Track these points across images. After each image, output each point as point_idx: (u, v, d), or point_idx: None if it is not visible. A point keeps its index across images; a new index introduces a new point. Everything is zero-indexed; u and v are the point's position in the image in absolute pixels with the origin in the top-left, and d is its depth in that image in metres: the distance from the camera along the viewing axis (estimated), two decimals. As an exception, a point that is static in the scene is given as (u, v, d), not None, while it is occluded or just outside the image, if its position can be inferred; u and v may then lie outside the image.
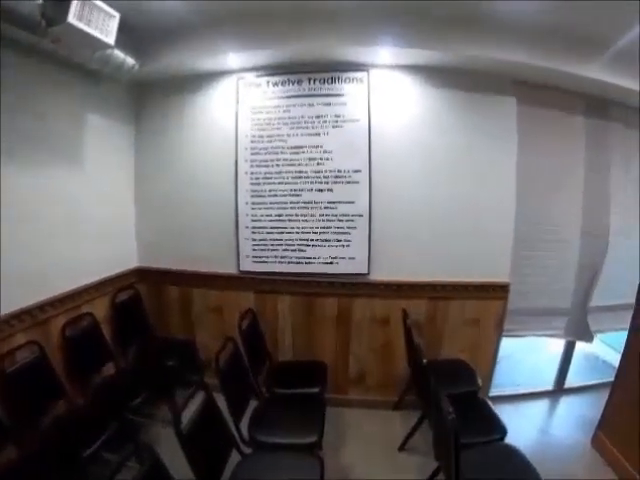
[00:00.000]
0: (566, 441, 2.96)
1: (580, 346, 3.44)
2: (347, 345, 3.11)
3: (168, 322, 3.32)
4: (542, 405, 3.37)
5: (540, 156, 3.03)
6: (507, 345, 3.84)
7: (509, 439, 2.44)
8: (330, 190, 3.01)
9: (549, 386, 3.48)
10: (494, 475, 1.87)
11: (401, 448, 2.72)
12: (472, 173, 2.91)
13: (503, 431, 2.19)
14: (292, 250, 3.08)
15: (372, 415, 3.12)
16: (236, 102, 3.02)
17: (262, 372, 2.75)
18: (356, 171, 2.97)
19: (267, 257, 3.10)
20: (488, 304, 2.99)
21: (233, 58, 2.76)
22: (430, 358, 2.89)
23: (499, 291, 2.98)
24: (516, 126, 2.90)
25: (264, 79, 2.98)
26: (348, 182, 2.98)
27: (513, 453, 2.01)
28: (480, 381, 2.68)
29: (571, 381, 3.51)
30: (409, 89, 2.87)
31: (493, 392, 3.32)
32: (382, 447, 2.75)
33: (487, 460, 1.97)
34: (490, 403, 2.52)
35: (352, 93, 2.93)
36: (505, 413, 3.11)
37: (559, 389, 3.46)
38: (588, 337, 3.26)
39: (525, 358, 3.88)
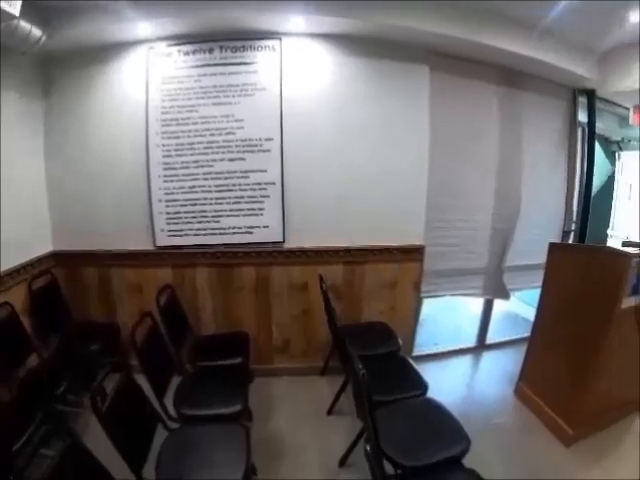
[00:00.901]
0: (491, 394, 3.09)
1: (500, 304, 3.55)
2: (268, 314, 3.10)
3: (89, 305, 3.21)
4: (466, 361, 3.50)
5: (454, 122, 3.07)
6: (430, 306, 3.96)
7: (436, 395, 2.52)
8: (242, 159, 2.94)
9: (472, 343, 3.57)
10: (415, 428, 1.91)
11: (329, 412, 2.76)
12: (385, 140, 2.90)
13: (424, 386, 2.25)
14: (207, 222, 3.02)
15: (300, 382, 3.15)
16: (146, 73, 2.87)
17: (184, 347, 2.68)
18: (268, 139, 2.90)
19: (182, 230, 3.03)
20: (404, 267, 3.03)
21: (143, 27, 2.61)
22: (351, 321, 2.97)
23: (414, 253, 3.02)
24: (429, 94, 2.90)
25: (175, 48, 2.84)
26: (260, 151, 2.92)
27: (434, 406, 2.06)
28: (400, 341, 2.71)
29: (493, 337, 3.63)
30: (323, 57, 2.79)
31: (417, 352, 3.40)
32: (311, 412, 2.79)
33: (408, 414, 2.02)
34: (411, 361, 2.57)
35: (264, 61, 2.83)
36: (431, 371, 3.26)
37: (481, 345, 3.57)
38: (504, 295, 3.36)
39: (448, 318, 3.97)
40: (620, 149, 5.05)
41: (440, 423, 1.92)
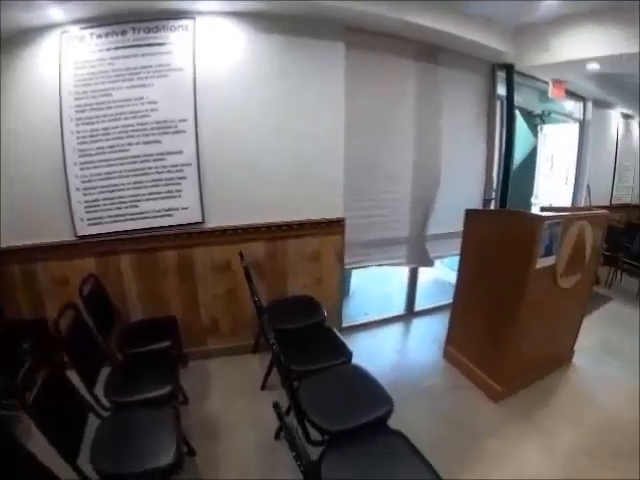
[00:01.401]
0: (421, 359, 3.24)
1: (429, 272, 3.68)
2: (195, 296, 3.10)
3: (18, 302, 3.12)
4: (396, 329, 3.64)
5: (372, 97, 3.13)
6: (361, 277, 4.09)
7: (368, 363, 2.59)
8: (158, 142, 2.90)
9: (401, 311, 3.70)
10: (340, 394, 1.96)
11: (262, 387, 2.82)
12: (301, 115, 2.93)
13: (349, 354, 2.30)
14: (126, 207, 2.97)
15: (233, 361, 3.18)
16: (59, 58, 2.78)
17: (113, 335, 2.66)
18: (182, 120, 2.87)
19: (102, 218, 2.97)
20: (326, 240, 3.11)
21: (55, 11, 2.51)
22: (277, 296, 3.01)
23: (335, 226, 3.10)
24: (344, 69, 2.95)
25: (88, 32, 2.75)
26: (175, 132, 2.89)
27: (358, 372, 2.12)
28: (325, 312, 2.78)
29: (423, 304, 3.77)
30: (236, 36, 2.77)
31: (348, 322, 3.49)
32: (245, 389, 2.83)
33: (333, 382, 2.07)
34: (336, 331, 2.62)
35: (178, 42, 2.79)
36: (362, 340, 3.37)
37: (410, 313, 3.69)
38: (428, 262, 3.50)
39: (379, 288, 4.09)
40: (543, 122, 5.30)
41: (364, 388, 1.98)
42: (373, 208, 3.28)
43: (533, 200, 5.79)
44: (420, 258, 3.50)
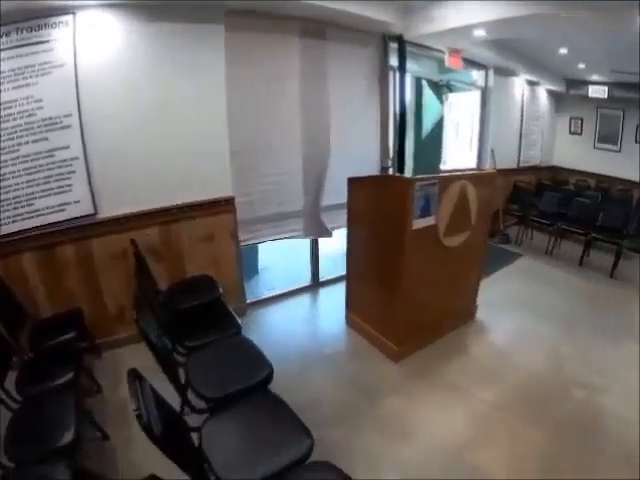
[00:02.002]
0: (326, 327, 3.43)
1: (338, 242, 3.82)
2: (98, 286, 3.19)
3: None
4: (303, 300, 3.81)
5: (256, 75, 3.19)
6: (270, 255, 4.26)
7: (276, 335, 2.96)
8: (46, 139, 2.94)
9: (307, 283, 3.91)
10: (224, 364, 2.05)
11: None
12: (186, 99, 2.97)
13: (237, 327, 2.40)
14: (22, 207, 3.04)
15: (142, 347, 3.28)
16: None
17: (23, 333, 2.76)
18: (67, 115, 2.91)
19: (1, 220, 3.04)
20: (218, 219, 3.19)
21: None
22: (176, 279, 3.13)
23: (225, 205, 3.18)
24: (225, 52, 3.00)
25: None
26: (61, 128, 2.94)
27: (243, 343, 2.23)
28: (220, 289, 2.86)
29: (330, 274, 3.97)
30: (117, 28, 2.78)
31: (254, 298, 3.66)
32: (153, 373, 2.93)
33: (219, 353, 2.17)
34: (229, 307, 2.70)
35: (59, 38, 2.81)
36: (269, 314, 3.53)
37: (316, 284, 3.90)
38: (326, 233, 3.67)
39: (288, 262, 4.26)
40: (450, 91, 5.55)
41: (247, 357, 2.07)
42: (265, 184, 3.38)
43: (442, 166, 6.04)
44: (317, 230, 3.65)
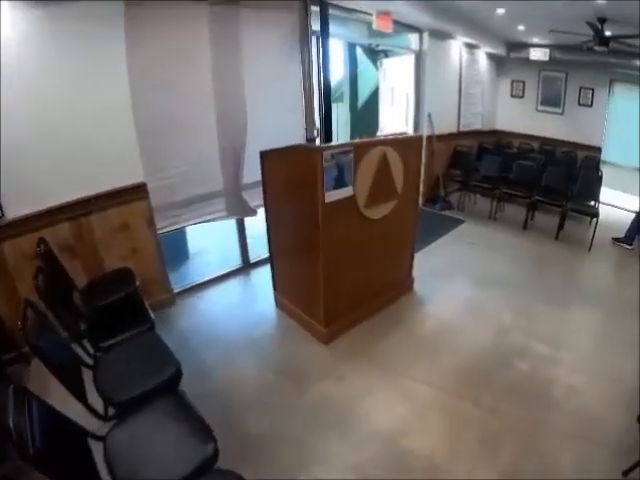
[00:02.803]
0: (256, 309, 3.25)
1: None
2: (15, 293, 2.95)
3: None
4: (234, 284, 3.64)
5: (161, 50, 2.89)
6: (201, 238, 4.08)
7: (208, 322, 2.90)
8: None
9: (238, 264, 3.77)
10: (133, 364, 1.90)
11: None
12: (84, 87, 2.68)
13: (151, 322, 2.25)
14: None
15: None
16: None
17: None
18: None
19: None
20: (131, 207, 2.96)
21: None
22: (95, 274, 2.91)
23: (137, 192, 2.95)
24: (125, 32, 2.70)
25: None
26: None
27: (153, 340, 2.07)
28: (137, 282, 2.65)
29: (262, 254, 3.81)
30: (7, 17, 2.48)
31: (183, 286, 3.50)
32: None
33: (130, 352, 2.01)
34: (144, 301, 2.51)
35: None
36: (201, 300, 3.37)
37: (247, 265, 3.76)
38: (251, 212, 3.49)
39: (221, 246, 4.08)
40: (387, 56, 5.36)
41: (154, 356, 1.94)
42: (180, 166, 3.13)
43: (379, 134, 5.91)
44: (241, 209, 3.45)
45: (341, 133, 6.42)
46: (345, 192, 2.51)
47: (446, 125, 5.67)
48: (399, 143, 2.85)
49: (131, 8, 2.70)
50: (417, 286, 3.45)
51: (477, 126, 6.46)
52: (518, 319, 3.07)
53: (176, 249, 4.03)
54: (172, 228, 3.30)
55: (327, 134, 3.91)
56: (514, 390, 2.36)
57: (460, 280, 3.62)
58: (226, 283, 3.65)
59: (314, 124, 3.90)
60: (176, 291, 3.46)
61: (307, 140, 3.87)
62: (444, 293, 3.41)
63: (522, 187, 4.99)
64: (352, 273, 2.76)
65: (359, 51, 6.04)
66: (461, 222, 5.07)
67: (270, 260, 3.19)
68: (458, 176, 5.66)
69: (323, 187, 2.33)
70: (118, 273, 2.82)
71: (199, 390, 2.19)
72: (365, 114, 5.95)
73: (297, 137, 3.81)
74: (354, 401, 2.30)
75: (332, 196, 2.41)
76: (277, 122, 3.62)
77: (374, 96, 5.89)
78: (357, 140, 2.61)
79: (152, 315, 2.37)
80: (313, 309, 2.77)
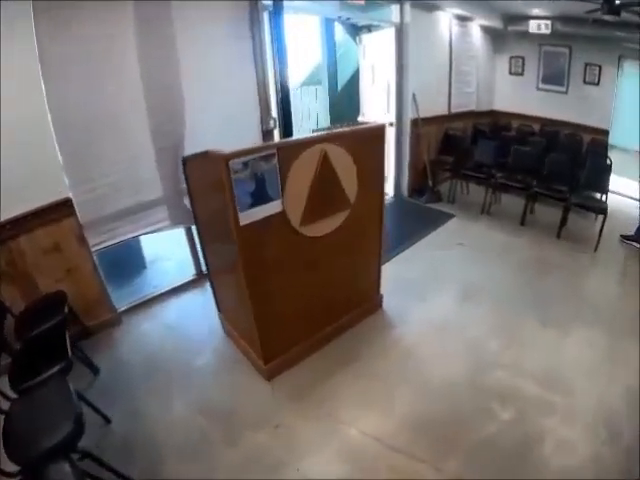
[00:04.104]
0: (202, 331, 2.89)
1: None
2: None
3: None
4: (186, 298, 3.30)
5: (78, 46, 2.52)
6: (160, 244, 3.73)
7: (149, 346, 2.67)
8: None
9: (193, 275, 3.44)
10: (33, 416, 1.68)
11: None
12: None
13: (68, 361, 2.02)
14: None
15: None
16: None
17: None
18: None
19: None
20: (59, 226, 2.62)
21: None
22: (30, 300, 2.61)
23: (63, 209, 2.62)
24: (36, 33, 2.34)
25: None
26: None
27: (61, 388, 1.80)
28: (66, 309, 2.39)
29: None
30: None
31: (131, 302, 3.19)
32: None
33: (34, 402, 1.77)
34: (67, 333, 2.25)
35: None
36: (149, 318, 3.06)
37: (201, 276, 3.41)
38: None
39: (181, 253, 3.68)
40: (369, 32, 4.80)
41: (57, 407, 1.69)
42: (111, 173, 2.79)
43: (360, 119, 5.40)
44: (186, 216, 3.04)
45: (321, 120, 5.95)
46: (269, 209, 2.02)
47: (434, 106, 5.11)
48: (347, 137, 2.29)
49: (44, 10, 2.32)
50: (387, 304, 3.01)
51: (471, 107, 5.86)
52: (505, 347, 2.60)
53: (131, 259, 3.73)
54: (110, 243, 2.96)
55: (286, 124, 3.46)
56: (489, 449, 1.91)
57: (440, 294, 3.15)
58: (177, 298, 3.31)
59: (270, 113, 3.45)
60: (124, 309, 3.16)
61: (263, 133, 3.45)
62: (418, 312, 2.95)
63: (520, 175, 4.45)
64: (296, 299, 2.36)
65: (339, 28, 5.47)
66: (450, 217, 4.57)
67: (209, 278, 2.81)
68: (449, 163, 5.13)
69: (235, 206, 1.87)
70: (48, 299, 2.56)
71: (127, 431, 2.09)
72: (346, 97, 5.44)
73: (247, 129, 3.40)
74: (290, 455, 1.95)
75: (249, 216, 1.93)
76: (221, 114, 3.18)
77: (356, 77, 5.35)
78: (282, 140, 2.11)
79: (69, 353, 2.10)
80: (252, 340, 2.38)
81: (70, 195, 2.65)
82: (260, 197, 1.95)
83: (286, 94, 3.38)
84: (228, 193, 1.83)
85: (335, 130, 2.39)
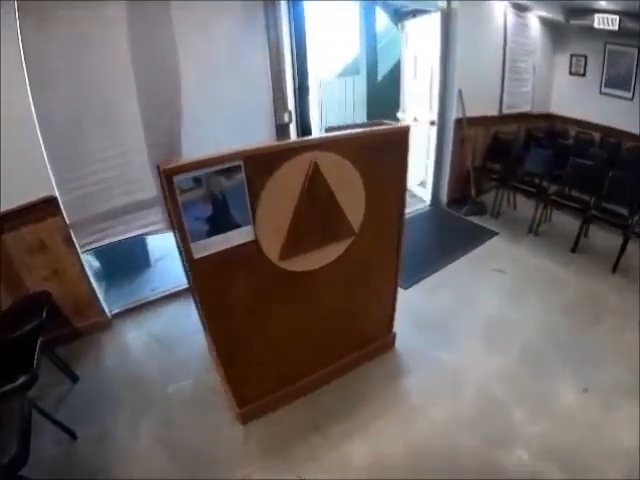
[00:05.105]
0: (188, 351, 2.64)
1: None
2: None
3: None
4: (181, 305, 3.05)
5: (69, 39, 2.31)
6: (163, 242, 3.47)
7: (128, 363, 2.49)
8: None
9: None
10: None
11: None
12: None
13: (33, 373, 1.86)
14: None
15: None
16: None
17: None
18: None
19: None
20: (45, 225, 2.48)
21: None
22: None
23: (48, 208, 2.47)
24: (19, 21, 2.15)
25: None
26: None
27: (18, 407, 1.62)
28: (44, 314, 2.25)
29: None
30: None
31: (124, 305, 3.03)
32: None
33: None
34: (39, 340, 2.08)
35: None
36: (138, 326, 2.89)
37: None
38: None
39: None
40: (414, 17, 4.26)
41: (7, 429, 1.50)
42: (100, 171, 2.58)
43: (400, 115, 4.86)
44: None
45: (357, 114, 5.48)
46: (236, 238, 1.59)
47: (484, 105, 4.45)
48: (353, 143, 1.73)
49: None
50: (401, 343, 2.52)
51: (526, 108, 5.10)
52: (532, 417, 2.05)
53: (135, 256, 3.54)
54: (101, 244, 2.77)
55: (303, 118, 3.07)
56: None
57: (464, 337, 2.62)
58: (172, 305, 3.07)
59: (286, 106, 3.07)
60: (117, 312, 3.00)
61: (277, 128, 3.08)
62: (435, 359, 2.44)
63: (577, 190, 3.82)
64: (279, 343, 1.99)
65: (382, 16, 4.94)
66: (491, 235, 3.97)
67: (192, 293, 2.51)
68: (496, 171, 4.50)
69: (185, 235, 1.48)
70: (29, 299, 2.46)
71: (89, 454, 1.95)
72: (387, 89, 4.93)
73: (259, 124, 3.06)
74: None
75: (208, 247, 1.53)
76: (228, 107, 2.88)
77: (397, 68, 4.83)
78: (254, 147, 1.51)
79: (35, 365, 1.91)
80: (228, 379, 2.01)
81: (56, 194, 2.48)
82: (221, 222, 1.53)
83: (304, 84, 2.99)
84: (175, 218, 1.46)
85: (339, 132, 1.84)
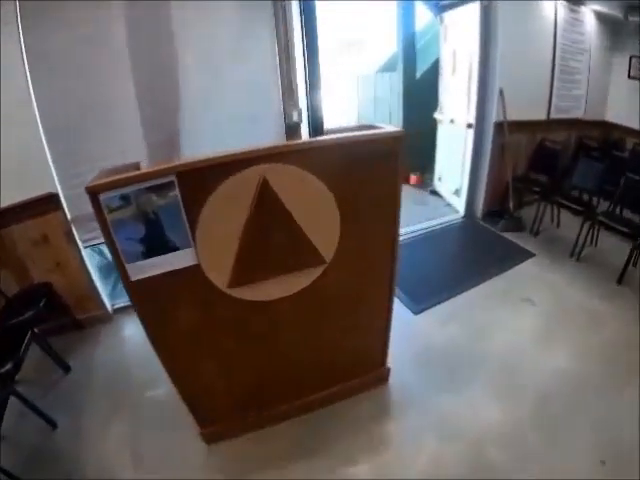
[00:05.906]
0: None
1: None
2: None
3: None
4: None
5: (67, 36, 2.40)
6: None
7: (117, 360, 2.52)
8: None
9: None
10: None
11: None
12: None
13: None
14: None
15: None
16: None
17: None
18: None
19: None
20: (47, 219, 2.60)
21: None
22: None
23: (49, 203, 2.56)
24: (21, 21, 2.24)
25: None
26: None
27: None
28: (41, 304, 2.47)
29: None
30: None
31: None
32: None
33: None
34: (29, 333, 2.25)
35: None
36: (136, 323, 2.88)
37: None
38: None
39: None
40: (453, 9, 3.88)
41: None
42: (99, 169, 2.66)
43: (437, 115, 4.46)
44: None
45: (393, 113, 5.15)
46: (174, 262, 1.45)
47: (529, 108, 3.96)
48: (321, 153, 1.52)
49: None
50: (396, 379, 2.23)
51: (578, 113, 4.49)
52: None
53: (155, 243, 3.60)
54: (101, 240, 2.80)
55: (314, 118, 2.89)
56: None
57: (471, 380, 2.25)
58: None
59: (296, 104, 2.90)
60: (120, 305, 3.07)
61: (286, 128, 2.95)
62: (430, 402, 2.12)
63: (630, 211, 3.35)
64: (240, 371, 1.86)
65: (420, 6, 4.57)
66: (527, 256, 3.51)
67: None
68: (540, 184, 3.99)
69: (119, 256, 1.38)
70: (30, 291, 2.64)
71: (64, 445, 2.01)
72: (426, 87, 4.57)
73: (267, 123, 2.97)
74: None
75: (144, 270, 1.43)
76: (233, 103, 2.83)
77: (436, 65, 4.46)
78: (190, 159, 1.37)
79: (20, 354, 2.07)
80: (192, 397, 1.89)
81: (58, 190, 2.59)
82: (156, 244, 1.40)
83: (314, 83, 2.81)
84: (106, 238, 1.35)
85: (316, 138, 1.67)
